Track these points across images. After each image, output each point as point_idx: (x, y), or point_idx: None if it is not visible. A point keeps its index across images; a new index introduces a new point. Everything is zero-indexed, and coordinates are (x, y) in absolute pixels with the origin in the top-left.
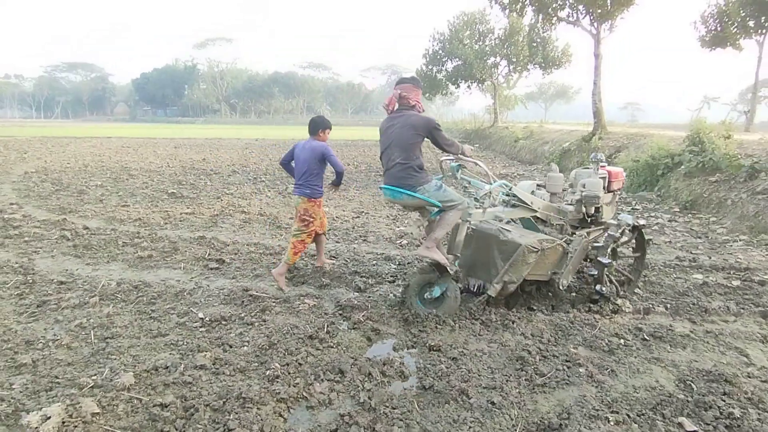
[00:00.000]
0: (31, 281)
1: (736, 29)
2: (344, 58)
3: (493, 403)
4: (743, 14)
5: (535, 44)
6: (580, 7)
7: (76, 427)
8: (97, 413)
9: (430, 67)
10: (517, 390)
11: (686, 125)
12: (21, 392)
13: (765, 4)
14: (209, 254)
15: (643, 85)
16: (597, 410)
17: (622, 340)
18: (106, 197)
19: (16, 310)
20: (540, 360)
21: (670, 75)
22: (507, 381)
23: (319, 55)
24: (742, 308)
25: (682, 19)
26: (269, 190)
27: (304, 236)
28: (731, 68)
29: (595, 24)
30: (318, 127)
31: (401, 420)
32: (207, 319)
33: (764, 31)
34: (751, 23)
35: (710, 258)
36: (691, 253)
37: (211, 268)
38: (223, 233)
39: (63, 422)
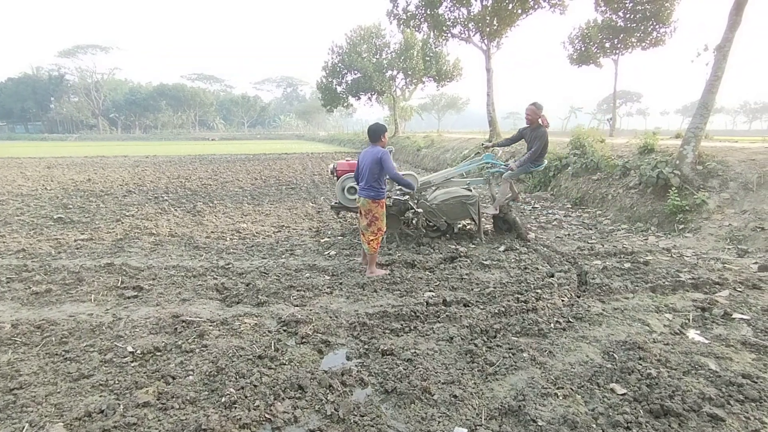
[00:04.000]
0: None
1: (596, 49)
2: (237, 70)
3: (455, 397)
4: (601, 37)
5: (428, 58)
6: (471, 25)
7: None
8: None
9: (330, 79)
10: (473, 381)
11: (561, 131)
12: None
13: (617, 29)
14: (123, 282)
15: (521, 96)
16: (546, 389)
17: (551, 325)
18: None
19: None
20: (487, 351)
21: (543, 87)
22: (462, 374)
23: (209, 66)
24: (636, 286)
25: (553, 38)
26: (176, 209)
27: (376, 233)
28: (591, 81)
29: (485, 41)
30: (378, 133)
31: (372, 426)
32: (138, 352)
33: (617, 51)
34: (607, 45)
35: (603, 246)
36: (588, 242)
37: (128, 297)
38: (133, 258)
39: None
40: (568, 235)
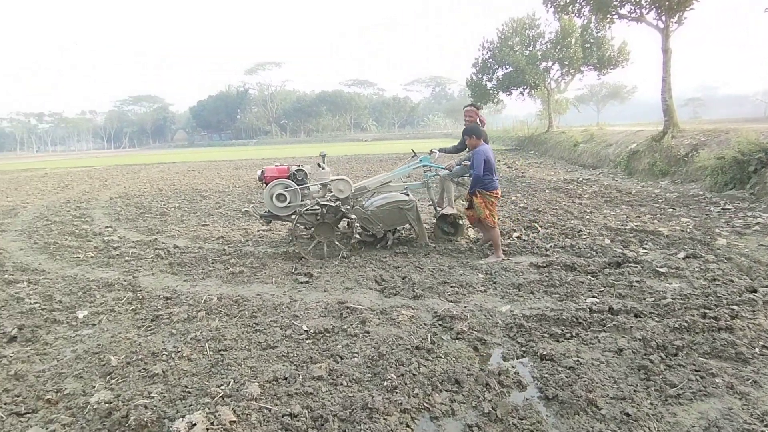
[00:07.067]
0: (140, 297)
1: None
2: (387, 73)
3: (627, 415)
4: None
5: (588, 45)
6: (644, 1)
7: None
8: (234, 421)
9: (480, 76)
10: (649, 401)
11: (763, 117)
12: (160, 401)
13: None
14: (296, 269)
15: (703, 77)
16: (749, 424)
17: (755, 349)
18: (186, 218)
19: (134, 324)
20: (665, 369)
21: (731, 62)
22: (635, 391)
23: (363, 72)
24: None
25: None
26: None
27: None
28: None
29: (663, 17)
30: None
31: (531, 431)
32: (311, 331)
33: None
34: None
35: None
36: None
37: (301, 282)
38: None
39: (207, 429)
40: None
